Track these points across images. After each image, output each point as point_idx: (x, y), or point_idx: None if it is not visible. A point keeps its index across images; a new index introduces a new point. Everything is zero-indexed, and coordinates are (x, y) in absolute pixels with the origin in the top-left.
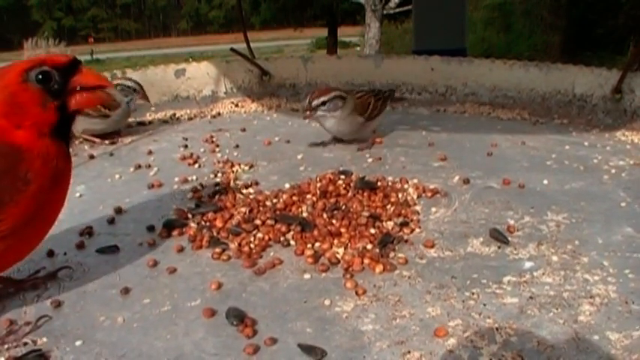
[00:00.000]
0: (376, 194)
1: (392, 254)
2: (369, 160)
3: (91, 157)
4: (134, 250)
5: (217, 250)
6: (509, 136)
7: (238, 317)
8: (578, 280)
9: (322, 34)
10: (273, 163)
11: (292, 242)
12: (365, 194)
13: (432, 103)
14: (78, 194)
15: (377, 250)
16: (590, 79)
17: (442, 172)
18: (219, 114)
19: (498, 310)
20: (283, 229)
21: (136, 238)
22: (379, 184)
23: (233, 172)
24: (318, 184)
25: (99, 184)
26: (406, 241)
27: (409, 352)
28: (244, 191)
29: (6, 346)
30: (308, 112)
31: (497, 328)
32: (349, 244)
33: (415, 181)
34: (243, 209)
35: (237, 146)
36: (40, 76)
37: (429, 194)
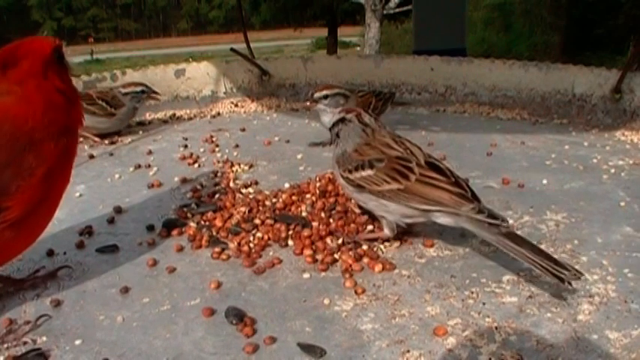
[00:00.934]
0: None
1: (390, 254)
2: None
3: (91, 157)
4: (134, 249)
5: (217, 249)
6: (508, 136)
7: (238, 316)
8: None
9: (322, 34)
10: (273, 162)
11: (291, 242)
12: None
13: (431, 103)
14: (78, 194)
15: (375, 249)
16: (590, 79)
17: None
18: (219, 114)
19: (498, 309)
20: (283, 228)
21: (135, 238)
22: None
23: (233, 171)
24: (318, 184)
25: (99, 184)
26: (405, 240)
27: (408, 351)
28: (244, 191)
29: (6, 345)
30: (309, 103)
31: (496, 327)
32: (348, 244)
33: None
34: (242, 209)
35: (237, 146)
36: None
37: None
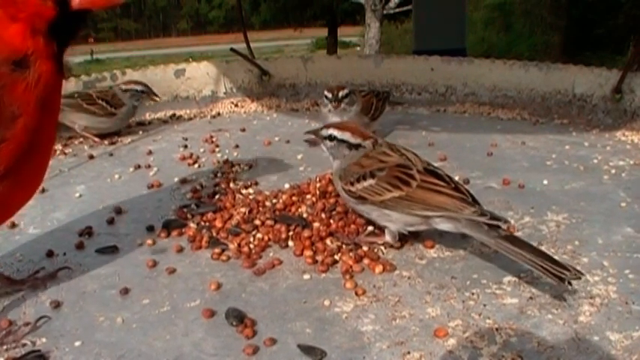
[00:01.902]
0: None
1: (391, 255)
2: None
3: (91, 157)
4: (133, 250)
5: (217, 250)
6: (509, 136)
7: (238, 318)
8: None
9: (322, 34)
10: (273, 163)
11: (291, 243)
12: None
13: (431, 103)
14: (77, 194)
15: (375, 250)
16: (590, 79)
17: None
18: (218, 114)
19: (498, 310)
20: (283, 229)
21: (135, 239)
22: None
23: (233, 172)
24: (318, 185)
25: (98, 184)
26: (406, 241)
27: (409, 352)
28: (244, 191)
29: (5, 347)
30: (335, 103)
31: (497, 329)
32: (348, 246)
33: None
34: (242, 209)
35: (237, 146)
36: None
37: None
